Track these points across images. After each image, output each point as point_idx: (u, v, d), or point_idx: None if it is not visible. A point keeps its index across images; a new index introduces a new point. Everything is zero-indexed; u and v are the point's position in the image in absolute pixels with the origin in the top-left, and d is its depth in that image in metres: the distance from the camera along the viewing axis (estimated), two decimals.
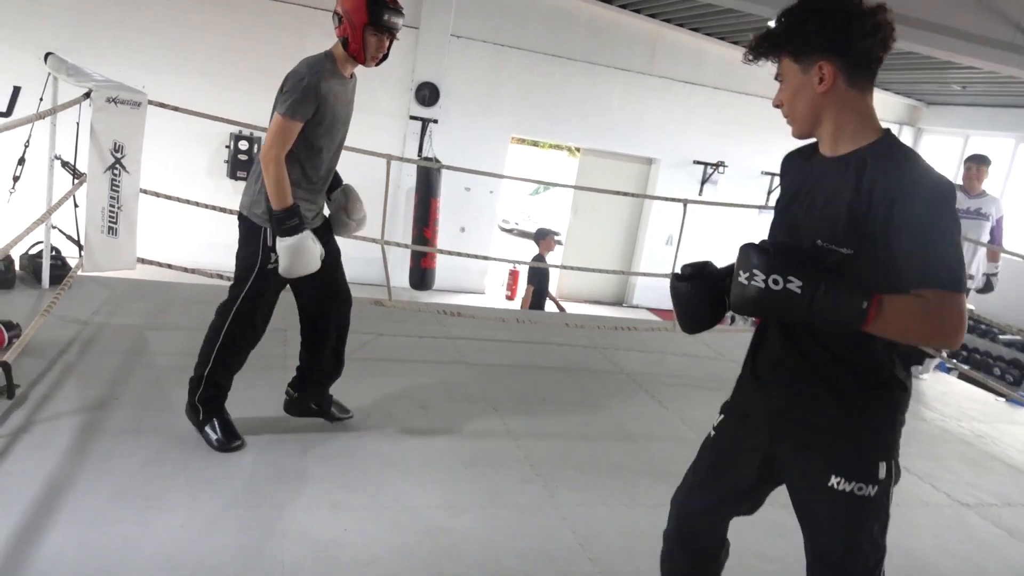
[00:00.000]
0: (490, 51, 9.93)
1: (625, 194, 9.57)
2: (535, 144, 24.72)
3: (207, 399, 2.93)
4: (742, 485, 1.74)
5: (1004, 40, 5.78)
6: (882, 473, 1.56)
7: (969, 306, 5.79)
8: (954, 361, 7.12)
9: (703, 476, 1.81)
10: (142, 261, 4.42)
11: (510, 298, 10.89)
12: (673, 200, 6.42)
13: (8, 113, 8.15)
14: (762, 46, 1.55)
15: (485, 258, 7.64)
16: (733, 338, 5.95)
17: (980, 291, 5.44)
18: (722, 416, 1.81)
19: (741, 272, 1.45)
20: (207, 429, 2.92)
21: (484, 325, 5.11)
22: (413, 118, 9.67)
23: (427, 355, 4.43)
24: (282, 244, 2.73)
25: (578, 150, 21.56)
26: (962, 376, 6.19)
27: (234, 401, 3.07)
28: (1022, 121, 10.51)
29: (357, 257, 10.34)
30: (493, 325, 5.14)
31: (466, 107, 9.99)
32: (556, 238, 9.27)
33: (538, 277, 8.18)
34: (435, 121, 9.74)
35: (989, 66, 6.27)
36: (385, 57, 2.78)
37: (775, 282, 1.40)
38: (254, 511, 2.57)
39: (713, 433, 1.82)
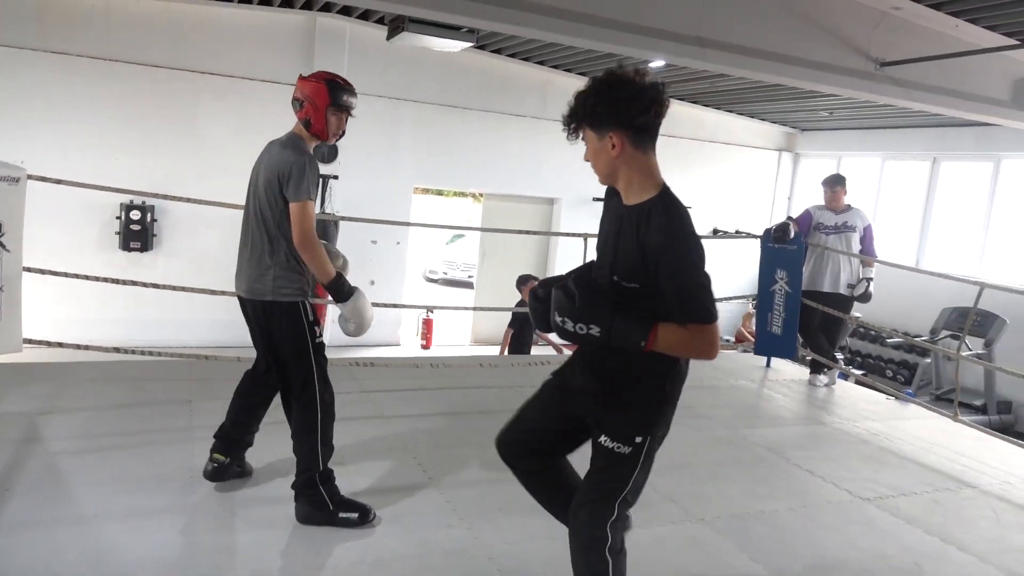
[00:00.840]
0: (387, 105, 10.05)
1: (529, 232, 9.79)
2: (439, 193, 24.99)
3: (332, 493, 2.95)
4: (550, 424, 2.29)
5: (859, 69, 6.32)
6: (637, 440, 2.03)
7: (856, 314, 6.19)
8: (849, 368, 7.57)
9: (524, 416, 2.37)
10: (28, 342, 4.20)
11: (426, 347, 10.86)
12: (574, 235, 6.63)
13: None
14: (570, 121, 2.00)
15: (396, 306, 7.64)
16: None
17: (859, 299, 5.82)
18: (551, 377, 2.32)
19: (556, 314, 1.92)
20: (342, 516, 2.94)
21: (398, 374, 5.10)
22: None
23: (342, 412, 4.32)
24: (350, 307, 2.94)
25: (481, 196, 21.93)
26: (858, 381, 6.58)
27: (135, 480, 2.95)
28: (886, 140, 11.44)
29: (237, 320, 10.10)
30: (408, 373, 5.14)
31: (367, 161, 10.04)
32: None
33: (519, 321, 8.31)
34: (335, 177, 9.73)
35: (848, 93, 6.82)
36: (343, 133, 3.02)
37: (580, 328, 1.88)
38: None
39: (543, 385, 2.33)
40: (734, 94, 10.82)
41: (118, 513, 2.92)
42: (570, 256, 11.54)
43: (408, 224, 9.48)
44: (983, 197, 10.22)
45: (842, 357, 6.65)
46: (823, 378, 5.95)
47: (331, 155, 9.65)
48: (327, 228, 9.02)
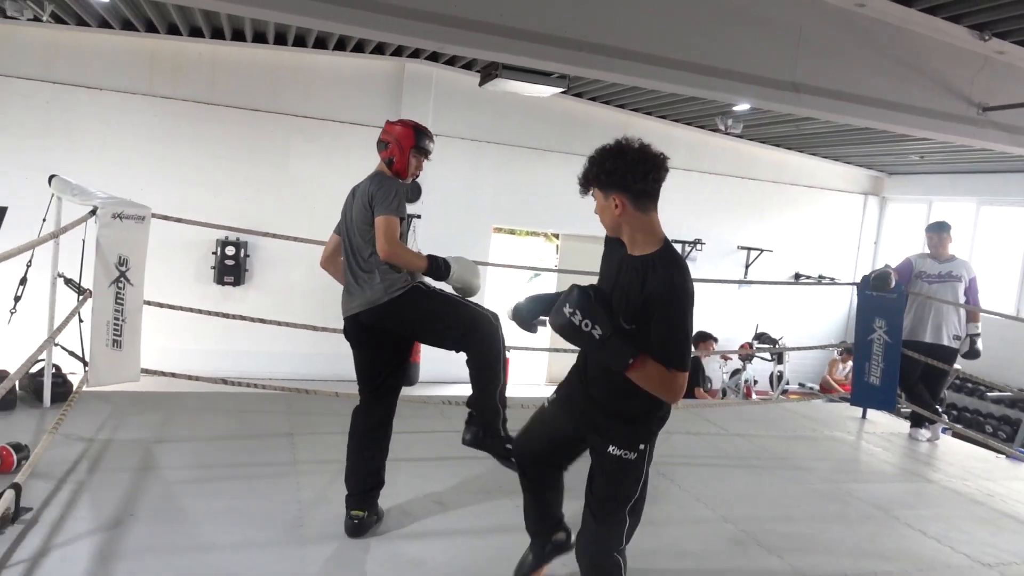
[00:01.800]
0: (469, 147, 10.28)
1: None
2: (512, 232, 25.23)
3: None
4: (560, 437, 2.54)
5: (961, 114, 6.13)
6: (641, 447, 2.29)
7: (956, 366, 5.91)
8: (953, 423, 7.21)
9: (538, 429, 2.60)
10: (145, 372, 4.40)
11: None
12: None
13: None
14: (582, 181, 2.28)
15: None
16: (730, 411, 6.00)
17: (966, 355, 5.57)
18: (555, 395, 2.56)
19: (567, 305, 2.13)
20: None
21: None
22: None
23: (437, 451, 4.41)
24: (456, 277, 3.14)
25: (555, 236, 21.99)
26: (956, 435, 6.26)
27: (247, 511, 3.03)
28: (980, 185, 11.01)
29: (340, 354, 10.32)
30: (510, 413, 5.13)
31: (448, 201, 10.25)
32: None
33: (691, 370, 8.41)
34: (418, 216, 9.96)
35: (944, 137, 6.61)
36: (418, 174, 3.32)
37: (586, 324, 2.11)
38: None
39: (547, 404, 2.59)
40: (819, 137, 10.64)
41: (233, 543, 3.01)
42: None
43: (487, 264, 9.58)
44: None
45: (943, 411, 6.35)
46: (925, 432, 5.69)
47: (415, 194, 9.90)
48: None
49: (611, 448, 2.28)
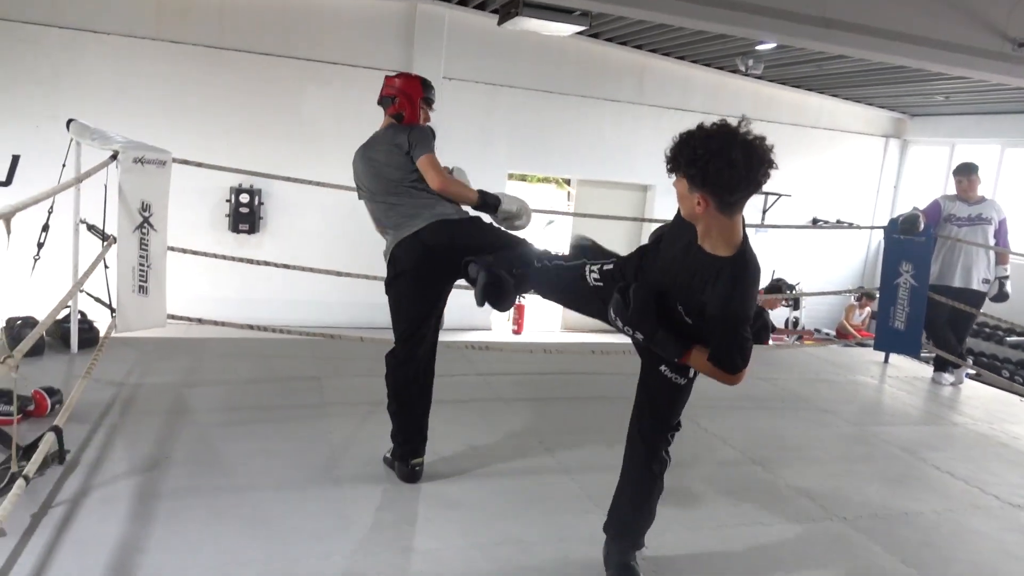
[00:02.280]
0: (482, 91, 10.08)
1: (623, 219, 9.61)
2: (523, 178, 25.01)
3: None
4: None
5: (992, 49, 5.94)
6: (691, 373, 2.36)
7: (983, 311, 5.85)
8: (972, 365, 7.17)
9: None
10: (171, 318, 4.40)
11: (517, 332, 10.93)
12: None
13: (8, 182, 8.16)
14: (671, 163, 2.04)
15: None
16: (752, 356, 5.98)
17: (995, 299, 5.51)
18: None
19: (611, 311, 2.24)
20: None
21: (512, 359, 5.14)
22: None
23: (463, 394, 4.41)
24: (506, 209, 3.13)
25: (567, 182, 21.79)
26: (978, 380, 6.24)
27: (281, 452, 3.05)
28: (1006, 127, 10.76)
29: (370, 303, 10.34)
30: (521, 358, 5.16)
31: (462, 146, 10.10)
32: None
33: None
34: None
35: (979, 75, 6.43)
36: None
37: (627, 331, 2.24)
38: (326, 560, 2.54)
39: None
40: (842, 78, 10.37)
41: (269, 484, 3.03)
42: None
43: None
44: None
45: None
46: (949, 376, 5.67)
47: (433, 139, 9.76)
48: None
49: (663, 369, 2.36)
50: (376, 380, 3.29)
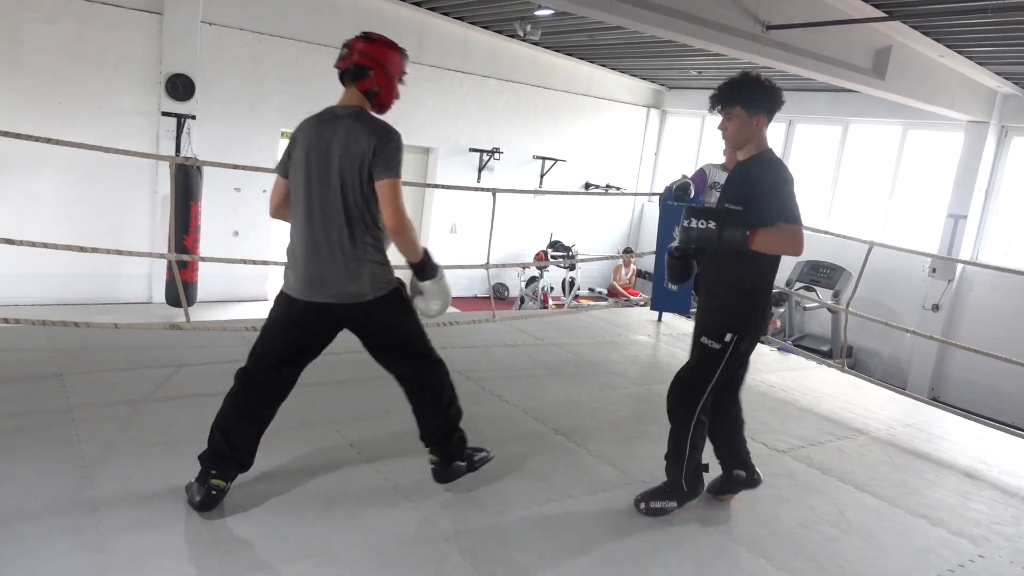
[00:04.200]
0: (249, 40, 9.16)
1: (405, 183, 9.32)
2: None
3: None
4: None
5: (745, 30, 6.46)
6: (727, 338, 2.85)
7: None
8: None
9: None
10: None
11: None
12: (451, 187, 6.36)
13: None
14: (722, 97, 2.85)
15: (263, 263, 7.05)
16: (543, 322, 6.09)
17: None
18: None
19: (685, 221, 2.76)
20: (477, 460, 3.02)
21: None
22: (166, 114, 8.64)
23: None
24: (440, 285, 2.67)
25: None
26: None
27: (15, 475, 2.47)
28: None
29: (118, 274, 9.07)
30: None
31: (229, 101, 9.16)
32: None
33: None
34: (192, 117, 8.78)
35: (733, 53, 6.97)
36: None
37: (700, 224, 2.72)
38: None
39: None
40: (610, 48, 10.85)
41: (6, 515, 2.44)
42: (447, 208, 11.27)
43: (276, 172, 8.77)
44: (832, 158, 11.02)
45: None
46: None
47: (187, 91, 8.69)
48: (189, 175, 8.15)
49: (702, 338, 2.89)
50: (137, 373, 2.78)
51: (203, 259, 6.17)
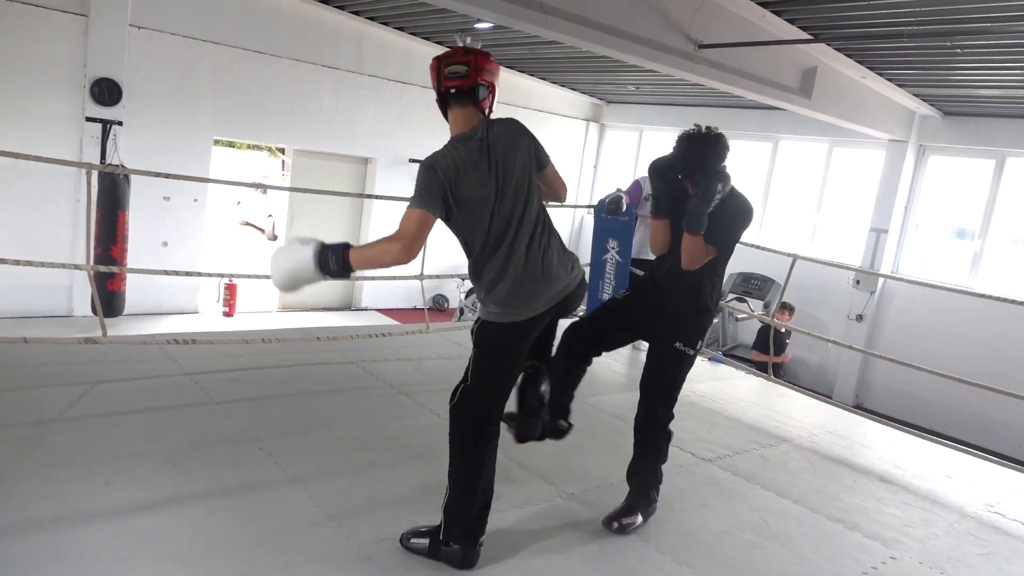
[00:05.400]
0: (181, 45, 8.94)
1: (343, 194, 9.16)
2: (231, 145, 23.10)
3: None
4: (622, 324, 3.22)
5: (678, 48, 6.61)
6: (698, 345, 3.06)
7: None
8: None
9: (605, 314, 3.31)
10: None
11: (228, 314, 10.02)
12: (390, 198, 6.33)
13: None
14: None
15: (189, 274, 6.84)
16: None
17: None
18: (627, 291, 3.46)
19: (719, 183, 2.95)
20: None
21: (224, 353, 4.58)
22: (91, 120, 8.35)
23: (164, 400, 3.81)
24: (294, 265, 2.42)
25: (282, 151, 20.57)
26: None
27: None
28: (684, 117, 12.20)
29: (36, 285, 8.71)
30: (235, 351, 4.63)
31: (158, 107, 8.91)
32: None
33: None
34: (119, 123, 8.51)
35: (666, 70, 7.12)
36: None
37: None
38: None
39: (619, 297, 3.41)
40: (550, 62, 10.97)
41: None
42: (387, 218, 11.17)
43: (207, 180, 8.57)
44: (763, 173, 11.35)
45: None
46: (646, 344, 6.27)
47: (113, 96, 8.41)
48: (116, 183, 7.89)
49: (678, 344, 2.99)
50: (46, 391, 2.67)
51: (128, 270, 5.96)
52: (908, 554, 3.25)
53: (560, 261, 2.57)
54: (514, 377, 2.65)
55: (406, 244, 2.30)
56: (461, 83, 2.45)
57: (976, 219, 9.40)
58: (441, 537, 2.62)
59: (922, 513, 3.70)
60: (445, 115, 2.56)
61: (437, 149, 2.47)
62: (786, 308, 8.71)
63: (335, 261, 2.32)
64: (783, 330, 8.03)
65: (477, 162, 2.43)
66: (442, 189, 2.36)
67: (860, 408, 7.46)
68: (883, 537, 3.37)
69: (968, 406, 8.71)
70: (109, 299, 8.14)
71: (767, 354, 7.32)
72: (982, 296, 5.18)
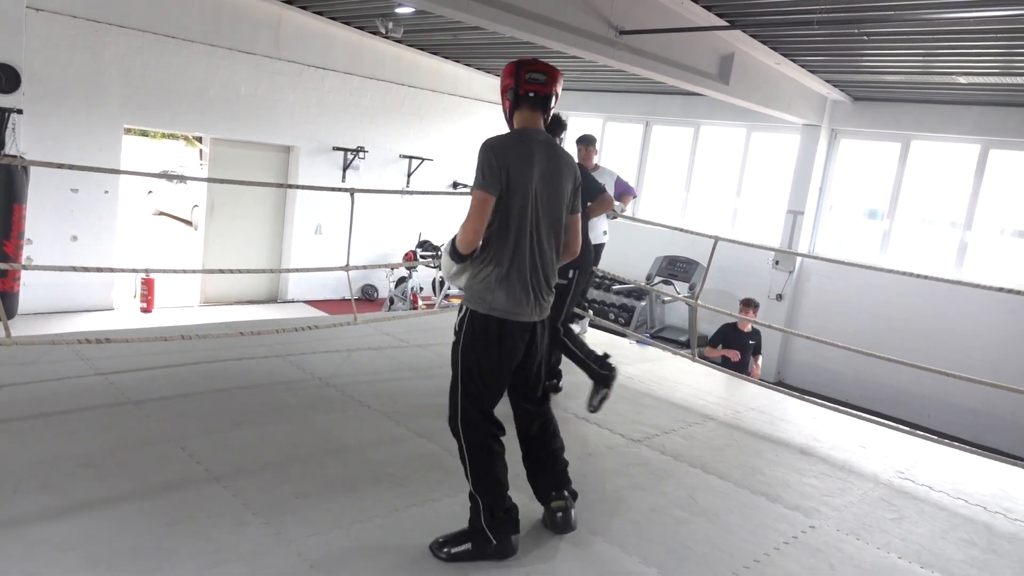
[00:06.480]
0: (85, 28, 8.47)
1: (265, 184, 8.86)
2: (144, 134, 22.11)
3: None
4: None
5: (603, 35, 6.67)
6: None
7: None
8: (589, 313, 8.16)
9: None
10: None
11: (147, 310, 9.63)
12: (313, 188, 6.18)
13: None
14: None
15: (96, 269, 6.50)
16: (408, 323, 6.03)
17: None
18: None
19: None
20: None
21: (142, 351, 4.40)
22: None
23: (78, 401, 3.64)
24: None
25: (199, 139, 19.83)
26: (592, 325, 7.10)
27: None
28: (607, 103, 12.42)
29: None
30: (153, 348, 4.45)
31: (63, 95, 8.44)
32: None
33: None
34: (19, 111, 8.01)
35: (589, 56, 7.18)
36: None
37: None
38: None
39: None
40: (473, 48, 10.90)
41: None
42: (312, 208, 10.93)
43: (115, 171, 8.19)
44: (686, 158, 11.61)
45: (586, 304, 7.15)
46: (576, 327, 6.34)
47: (11, 83, 7.90)
48: (13, 175, 7.43)
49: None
50: None
51: (23, 267, 5.61)
52: (827, 522, 3.40)
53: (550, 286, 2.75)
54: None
55: (473, 225, 2.57)
56: (539, 89, 2.70)
57: (885, 200, 9.87)
58: (483, 541, 2.67)
59: (839, 483, 3.88)
60: (509, 117, 2.79)
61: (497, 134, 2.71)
62: (750, 305, 7.44)
63: (452, 251, 2.64)
64: (749, 328, 7.17)
65: (529, 159, 2.65)
66: (500, 169, 2.58)
67: (781, 384, 7.76)
68: (803, 507, 3.51)
69: (881, 378, 9.18)
70: (2, 300, 7.67)
71: (727, 350, 7.05)
72: (892, 272, 5.43)
